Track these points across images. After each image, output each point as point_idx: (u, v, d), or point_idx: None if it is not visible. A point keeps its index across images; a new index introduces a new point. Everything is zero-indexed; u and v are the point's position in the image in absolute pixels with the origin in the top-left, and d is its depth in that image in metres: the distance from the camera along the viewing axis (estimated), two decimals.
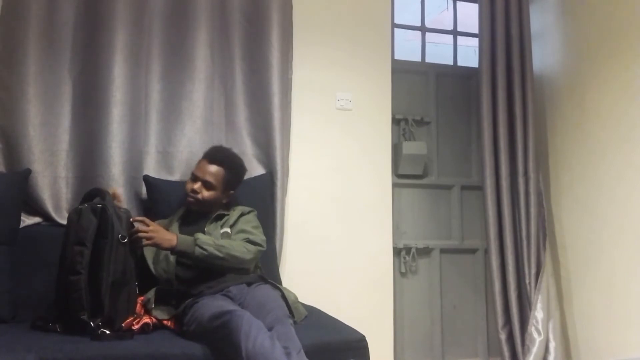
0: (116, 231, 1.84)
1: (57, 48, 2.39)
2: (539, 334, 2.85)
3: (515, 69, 3.03)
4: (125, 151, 2.40)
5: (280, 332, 1.70)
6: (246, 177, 2.37)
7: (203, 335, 1.79)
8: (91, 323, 1.75)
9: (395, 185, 3.05)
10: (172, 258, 2.06)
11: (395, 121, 3.15)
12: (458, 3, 3.42)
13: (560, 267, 3.04)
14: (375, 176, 2.90)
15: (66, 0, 2.41)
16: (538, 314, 2.87)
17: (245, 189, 2.35)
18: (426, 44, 3.32)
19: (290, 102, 2.73)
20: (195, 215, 2.21)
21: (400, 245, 3.13)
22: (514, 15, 3.05)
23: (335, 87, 2.86)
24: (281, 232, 2.61)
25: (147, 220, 2.00)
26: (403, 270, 3.14)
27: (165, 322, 1.97)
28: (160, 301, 2.01)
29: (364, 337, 1.93)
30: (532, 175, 2.98)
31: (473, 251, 3.30)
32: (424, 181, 3.23)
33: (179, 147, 2.53)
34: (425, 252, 3.20)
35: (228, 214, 2.24)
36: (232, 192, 2.27)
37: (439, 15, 3.60)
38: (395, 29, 3.20)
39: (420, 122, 3.25)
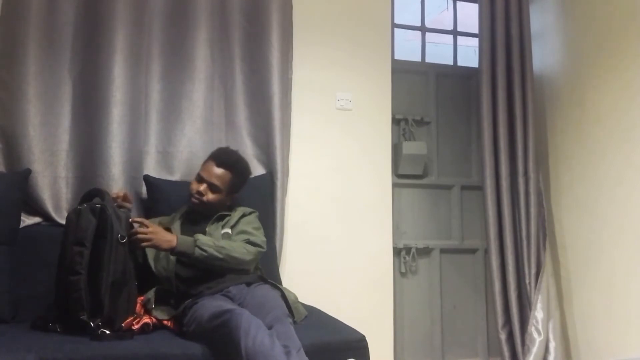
0: (115, 231, 1.84)
1: (57, 48, 2.39)
2: (539, 334, 2.85)
3: (515, 69, 3.03)
4: (125, 151, 2.40)
5: (279, 331, 1.71)
6: None
7: (203, 335, 1.79)
8: (91, 323, 1.75)
9: (395, 185, 3.05)
10: (172, 257, 2.06)
11: (395, 121, 3.15)
12: (458, 3, 3.42)
13: (560, 267, 3.04)
14: (375, 176, 2.90)
15: (66, 0, 2.41)
16: (538, 314, 2.87)
17: (246, 189, 2.34)
18: (426, 44, 3.32)
19: (290, 102, 2.73)
20: (197, 215, 2.21)
21: (400, 245, 3.13)
22: (514, 15, 3.05)
23: (335, 87, 2.86)
24: (281, 232, 2.61)
25: (146, 222, 2.00)
26: (403, 270, 3.14)
27: (165, 322, 1.97)
28: (160, 301, 2.01)
29: (364, 337, 1.93)
30: (532, 175, 2.98)
31: (473, 251, 3.30)
32: (424, 181, 3.23)
33: (179, 147, 2.53)
34: (425, 252, 3.20)
35: (229, 215, 2.24)
36: (236, 195, 2.27)
37: (439, 15, 3.60)
38: (395, 29, 3.20)
39: (420, 122, 3.25)
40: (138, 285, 1.99)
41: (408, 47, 3.40)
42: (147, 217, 2.23)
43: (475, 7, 3.19)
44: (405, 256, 3.15)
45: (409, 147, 3.11)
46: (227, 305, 1.84)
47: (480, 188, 3.07)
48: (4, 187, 2.18)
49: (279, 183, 2.61)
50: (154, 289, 2.05)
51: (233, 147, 2.46)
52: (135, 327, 1.86)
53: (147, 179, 2.42)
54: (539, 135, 3.12)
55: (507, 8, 3.06)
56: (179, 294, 2.03)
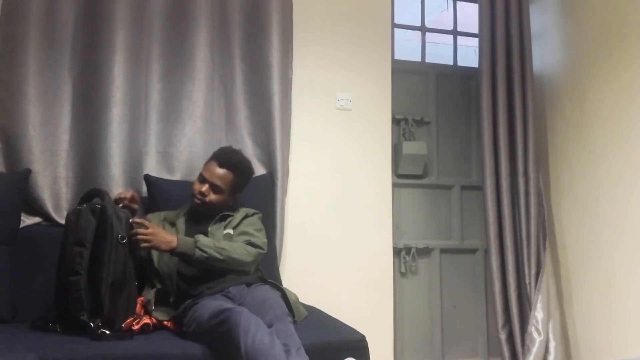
0: (115, 232, 1.84)
1: (57, 48, 2.39)
2: (539, 334, 2.85)
3: (515, 69, 3.03)
4: (125, 151, 2.41)
5: (279, 330, 1.71)
6: None
7: (203, 335, 1.79)
8: (91, 324, 1.75)
9: (395, 185, 3.05)
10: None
11: (395, 121, 3.15)
12: (458, 3, 3.42)
13: (560, 267, 3.04)
14: (375, 176, 2.90)
15: (66, 0, 2.41)
16: (538, 314, 2.87)
17: (247, 188, 2.34)
18: (426, 44, 3.32)
19: (290, 102, 2.73)
20: (200, 214, 2.21)
21: (400, 245, 3.13)
22: (514, 15, 3.05)
23: (335, 87, 2.86)
24: (281, 232, 2.61)
25: (146, 223, 2.00)
26: (403, 270, 3.14)
27: (165, 323, 1.97)
28: (159, 302, 2.01)
29: (364, 337, 1.93)
30: (532, 175, 2.98)
31: (473, 251, 3.30)
32: (424, 181, 3.23)
33: (179, 147, 2.53)
34: (425, 252, 3.20)
35: (232, 215, 2.24)
36: (238, 194, 2.27)
37: (439, 15, 3.60)
38: (395, 29, 3.20)
39: (420, 122, 3.25)
40: (138, 285, 1.99)
41: (408, 47, 3.40)
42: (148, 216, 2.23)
43: (475, 7, 3.19)
44: (405, 256, 3.15)
45: (409, 147, 3.11)
46: (227, 304, 1.84)
47: (480, 188, 3.07)
48: (4, 187, 2.18)
49: (279, 183, 2.61)
50: (154, 290, 2.04)
51: (233, 147, 2.46)
52: (135, 327, 1.86)
53: (148, 179, 2.42)
54: (539, 135, 3.12)
55: (507, 8, 3.06)
56: (179, 294, 2.03)
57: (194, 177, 2.28)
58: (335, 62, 2.87)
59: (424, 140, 3.21)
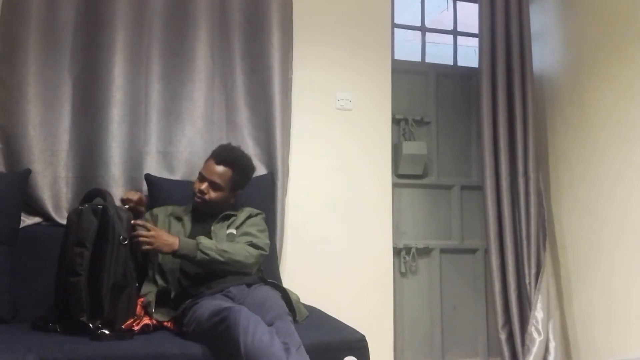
0: (117, 233, 1.84)
1: (57, 48, 2.39)
2: (539, 334, 2.85)
3: (515, 69, 3.03)
4: (126, 151, 2.41)
5: (280, 328, 1.71)
6: None
7: (203, 334, 1.79)
8: (90, 325, 1.75)
9: (395, 185, 3.05)
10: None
11: (395, 121, 3.15)
12: (458, 3, 3.42)
13: (560, 267, 3.04)
14: (375, 176, 2.90)
15: (66, 0, 2.41)
16: (538, 314, 2.87)
17: (247, 188, 2.34)
18: (426, 44, 3.32)
19: (290, 102, 2.73)
20: (202, 213, 2.22)
21: (400, 245, 3.13)
22: (514, 15, 3.05)
23: (335, 87, 2.86)
24: (281, 232, 2.61)
25: (147, 225, 1.99)
26: (403, 270, 3.14)
27: (165, 323, 1.97)
28: (160, 304, 2.01)
29: (364, 337, 1.93)
30: (532, 175, 2.98)
31: (473, 251, 3.30)
32: (424, 181, 3.23)
33: (179, 147, 2.53)
34: (425, 252, 3.20)
35: (235, 215, 2.24)
36: (239, 191, 2.26)
37: (439, 15, 3.60)
38: (395, 29, 3.20)
39: (420, 122, 3.25)
40: (138, 279, 1.99)
41: (408, 47, 3.40)
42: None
43: (475, 7, 3.19)
44: (405, 256, 3.14)
45: (409, 147, 3.11)
46: (227, 304, 1.84)
47: (480, 188, 3.07)
48: (4, 187, 2.19)
49: (279, 183, 2.61)
50: (154, 292, 2.04)
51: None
52: (136, 328, 1.85)
53: (149, 178, 2.42)
54: (539, 135, 3.12)
55: (507, 8, 3.06)
56: (181, 291, 2.04)
57: (194, 177, 2.27)
58: (335, 62, 2.87)
59: (424, 140, 3.21)
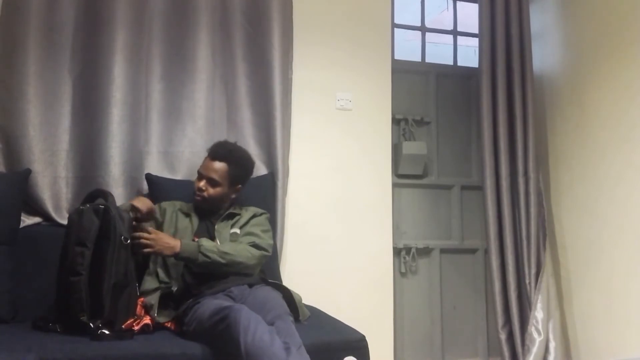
0: (118, 232, 1.84)
1: (57, 48, 2.39)
2: (539, 334, 2.85)
3: (515, 69, 3.03)
4: (126, 151, 2.41)
5: (280, 328, 1.71)
6: None
7: (203, 333, 1.79)
8: (91, 325, 1.75)
9: (395, 185, 3.05)
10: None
11: (395, 121, 3.15)
12: (458, 3, 3.42)
13: (560, 267, 3.04)
14: (375, 176, 2.90)
15: (66, 0, 2.41)
16: (538, 314, 2.87)
17: (248, 188, 2.35)
18: (426, 44, 3.32)
19: (290, 102, 2.73)
20: (206, 211, 2.22)
21: (400, 245, 3.13)
22: (514, 15, 3.05)
23: (335, 87, 2.86)
24: (281, 232, 2.61)
25: (149, 228, 1.99)
26: (403, 270, 3.14)
27: (165, 324, 1.97)
28: (162, 305, 2.00)
29: (364, 337, 1.93)
30: (532, 175, 2.98)
31: (473, 251, 3.30)
32: (424, 181, 3.23)
33: (180, 148, 2.53)
34: (425, 252, 3.20)
35: (240, 214, 2.24)
36: (239, 186, 2.26)
37: (439, 15, 3.60)
38: (395, 29, 3.20)
39: (420, 122, 3.25)
40: (138, 274, 1.99)
41: (408, 47, 3.40)
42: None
43: (475, 7, 3.19)
44: (405, 256, 3.15)
45: (409, 147, 3.11)
46: (228, 303, 1.84)
47: (480, 188, 3.07)
48: (4, 187, 2.18)
49: (279, 183, 2.62)
50: (157, 294, 2.02)
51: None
52: (136, 328, 1.85)
53: (149, 178, 2.42)
54: (539, 135, 3.12)
55: (507, 8, 3.06)
56: (183, 287, 2.04)
57: (195, 177, 2.28)
58: (335, 62, 2.87)
59: (424, 140, 3.21)
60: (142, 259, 2.08)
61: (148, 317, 1.93)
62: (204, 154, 2.34)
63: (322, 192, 2.80)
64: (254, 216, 2.26)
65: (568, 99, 3.05)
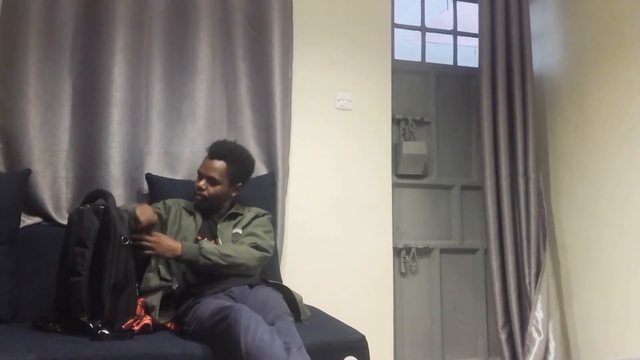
0: (118, 233, 1.84)
1: (57, 48, 2.39)
2: (539, 334, 2.85)
3: (515, 69, 3.03)
4: (126, 151, 2.41)
5: (281, 328, 1.71)
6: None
7: (203, 333, 1.79)
8: (90, 325, 1.75)
9: (395, 185, 3.05)
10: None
11: (395, 121, 3.15)
12: (458, 3, 3.42)
13: (560, 267, 3.04)
14: (375, 176, 2.90)
15: (66, 0, 2.41)
16: (538, 314, 2.87)
17: (248, 188, 2.35)
18: (426, 44, 3.32)
19: (290, 102, 2.73)
20: (208, 211, 2.23)
21: (400, 245, 3.13)
22: (514, 15, 3.05)
23: (335, 87, 2.86)
24: (281, 232, 2.61)
25: (151, 233, 1.98)
26: (403, 270, 3.14)
27: (166, 324, 1.97)
28: (163, 306, 2.00)
29: (364, 337, 1.93)
30: (532, 175, 2.98)
31: (473, 251, 3.30)
32: (424, 181, 3.23)
33: (180, 148, 2.53)
34: (425, 252, 3.20)
35: (242, 215, 2.25)
36: (240, 184, 2.26)
37: (439, 15, 3.60)
38: (395, 29, 3.20)
39: (420, 122, 3.25)
40: (138, 271, 1.99)
41: (408, 47, 3.40)
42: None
43: (475, 7, 3.19)
44: (405, 256, 3.14)
45: (409, 147, 3.11)
46: (228, 303, 1.84)
47: (480, 188, 3.07)
48: (4, 187, 2.18)
49: (279, 183, 2.62)
50: (159, 295, 2.01)
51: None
52: (136, 328, 1.85)
53: (149, 178, 2.42)
54: (539, 135, 3.12)
55: (507, 8, 3.06)
56: (183, 291, 2.04)
57: (195, 177, 2.28)
58: (335, 62, 2.87)
59: (424, 140, 3.21)
60: (143, 258, 2.08)
61: (148, 317, 1.93)
62: (204, 154, 2.35)
63: (322, 192, 2.80)
64: (256, 217, 2.26)
65: (568, 99, 3.05)
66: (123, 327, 1.83)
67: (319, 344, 1.82)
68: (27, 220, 2.30)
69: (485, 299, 3.26)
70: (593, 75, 2.90)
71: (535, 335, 2.86)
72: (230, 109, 2.64)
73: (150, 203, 2.37)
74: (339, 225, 2.81)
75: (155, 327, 1.92)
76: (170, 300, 2.03)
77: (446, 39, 3.44)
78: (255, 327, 1.63)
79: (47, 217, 2.32)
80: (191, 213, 2.22)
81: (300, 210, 2.73)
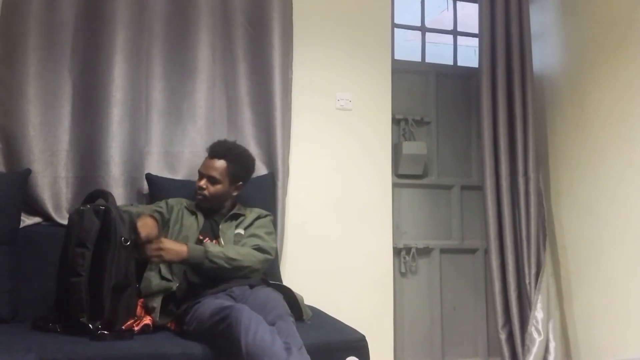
0: (119, 234, 1.83)
1: (57, 48, 2.39)
2: (539, 334, 2.85)
3: (515, 69, 3.03)
4: (126, 151, 2.41)
5: (281, 328, 1.71)
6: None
7: (203, 333, 1.79)
8: (90, 326, 1.75)
9: (395, 185, 3.05)
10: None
11: (395, 121, 3.15)
12: (458, 3, 3.42)
13: (560, 267, 3.04)
14: (375, 176, 2.90)
15: (66, 1, 2.41)
16: (538, 314, 2.87)
17: (248, 189, 2.35)
18: (426, 44, 3.32)
19: (290, 102, 2.73)
20: (209, 211, 2.23)
21: (400, 245, 3.13)
22: (514, 15, 3.05)
23: (335, 87, 2.86)
24: (281, 232, 2.61)
25: (152, 235, 1.97)
26: (403, 270, 3.14)
27: (166, 324, 1.97)
28: (163, 307, 2.00)
29: (364, 337, 1.93)
30: (532, 175, 2.98)
31: (473, 251, 3.30)
32: (424, 181, 3.23)
33: (180, 148, 2.53)
34: (425, 252, 3.20)
35: (244, 215, 2.25)
36: (240, 183, 2.27)
37: (439, 15, 3.60)
38: (395, 29, 3.20)
39: (420, 122, 3.25)
40: (138, 279, 1.99)
41: (408, 47, 3.40)
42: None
43: (475, 7, 3.19)
44: (405, 256, 3.14)
45: (409, 147, 3.11)
46: (228, 303, 1.84)
47: (480, 188, 3.07)
48: (4, 187, 2.18)
49: (279, 183, 2.61)
50: (160, 298, 2.00)
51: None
52: (136, 329, 1.85)
53: (150, 178, 2.42)
54: (539, 135, 3.12)
55: (507, 8, 3.06)
56: (185, 284, 2.04)
57: (195, 177, 2.28)
58: (335, 62, 2.87)
59: (424, 140, 3.21)
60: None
61: (148, 318, 1.93)
62: (204, 154, 2.35)
63: (322, 192, 2.80)
64: (258, 217, 2.27)
65: (568, 99, 3.05)
66: (123, 327, 1.82)
67: (319, 344, 1.81)
68: (27, 220, 2.30)
69: (485, 299, 3.26)
70: (593, 75, 2.90)
71: (535, 335, 2.86)
72: (230, 109, 2.64)
73: (150, 203, 2.38)
74: (339, 225, 2.81)
75: (155, 327, 1.92)
76: (171, 301, 2.03)
77: (446, 39, 3.44)
78: (256, 327, 1.63)
79: (47, 217, 2.32)
80: (193, 213, 2.22)
81: (300, 211, 2.73)
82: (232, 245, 2.13)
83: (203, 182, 2.19)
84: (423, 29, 3.31)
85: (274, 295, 1.99)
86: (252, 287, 2.05)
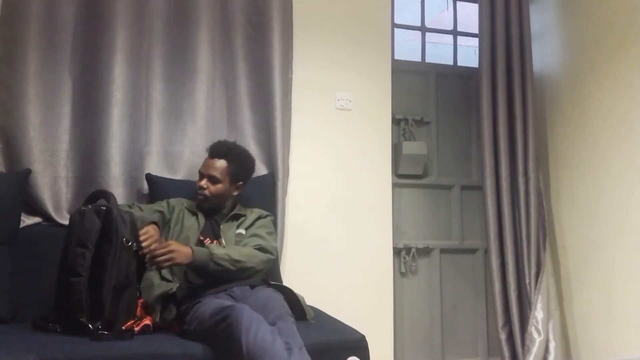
0: (120, 234, 1.83)
1: (57, 48, 2.39)
2: (539, 334, 2.85)
3: (515, 69, 3.03)
4: (126, 151, 2.41)
5: (282, 328, 1.71)
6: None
7: (204, 333, 1.79)
8: (90, 326, 1.75)
9: (395, 185, 3.05)
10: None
11: (395, 121, 3.15)
12: (458, 3, 3.42)
13: (560, 267, 3.04)
14: (375, 176, 2.90)
15: (66, 1, 2.41)
16: (538, 314, 2.87)
17: (248, 189, 2.35)
18: (426, 44, 3.32)
19: (290, 102, 2.73)
20: (210, 211, 2.23)
21: (400, 245, 3.13)
22: (514, 15, 3.05)
23: (335, 87, 2.86)
24: (282, 232, 2.61)
25: (167, 242, 1.97)
26: (403, 270, 3.14)
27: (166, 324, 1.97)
28: (163, 308, 2.00)
29: (364, 337, 1.93)
30: (532, 175, 2.98)
31: (473, 251, 3.30)
32: (424, 181, 3.23)
33: (180, 148, 2.53)
34: (425, 252, 3.20)
35: (245, 216, 2.25)
36: (240, 183, 2.27)
37: (439, 15, 3.60)
38: (395, 29, 3.20)
39: (420, 122, 3.25)
40: (138, 278, 1.98)
41: (408, 47, 3.40)
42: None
43: (475, 7, 3.19)
44: (405, 256, 3.14)
45: (409, 147, 3.11)
46: (229, 302, 1.85)
47: (480, 188, 3.07)
48: (4, 187, 2.18)
49: (279, 183, 2.61)
50: (160, 298, 2.00)
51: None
52: (136, 329, 1.85)
53: (149, 178, 2.42)
54: (539, 135, 3.12)
55: (507, 8, 3.06)
56: (186, 283, 2.04)
57: (195, 177, 2.28)
58: (335, 62, 2.87)
59: (424, 140, 3.21)
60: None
61: (148, 318, 1.93)
62: (204, 154, 2.35)
63: (322, 192, 2.80)
64: (259, 218, 2.27)
65: (568, 99, 3.05)
66: (123, 327, 1.82)
67: (319, 344, 1.82)
68: (27, 220, 2.30)
69: (485, 299, 3.26)
70: (593, 75, 2.90)
71: (535, 335, 2.86)
72: (230, 109, 2.64)
73: (150, 203, 2.38)
74: (339, 225, 2.81)
75: (155, 328, 1.92)
76: (171, 301, 2.02)
77: (446, 39, 3.44)
78: (256, 327, 1.63)
79: (47, 217, 2.32)
80: (194, 213, 2.22)
81: (300, 211, 2.73)
82: (233, 245, 2.13)
83: (204, 182, 2.20)
84: (423, 29, 3.31)
85: (274, 296, 1.99)
86: (252, 287, 2.05)
